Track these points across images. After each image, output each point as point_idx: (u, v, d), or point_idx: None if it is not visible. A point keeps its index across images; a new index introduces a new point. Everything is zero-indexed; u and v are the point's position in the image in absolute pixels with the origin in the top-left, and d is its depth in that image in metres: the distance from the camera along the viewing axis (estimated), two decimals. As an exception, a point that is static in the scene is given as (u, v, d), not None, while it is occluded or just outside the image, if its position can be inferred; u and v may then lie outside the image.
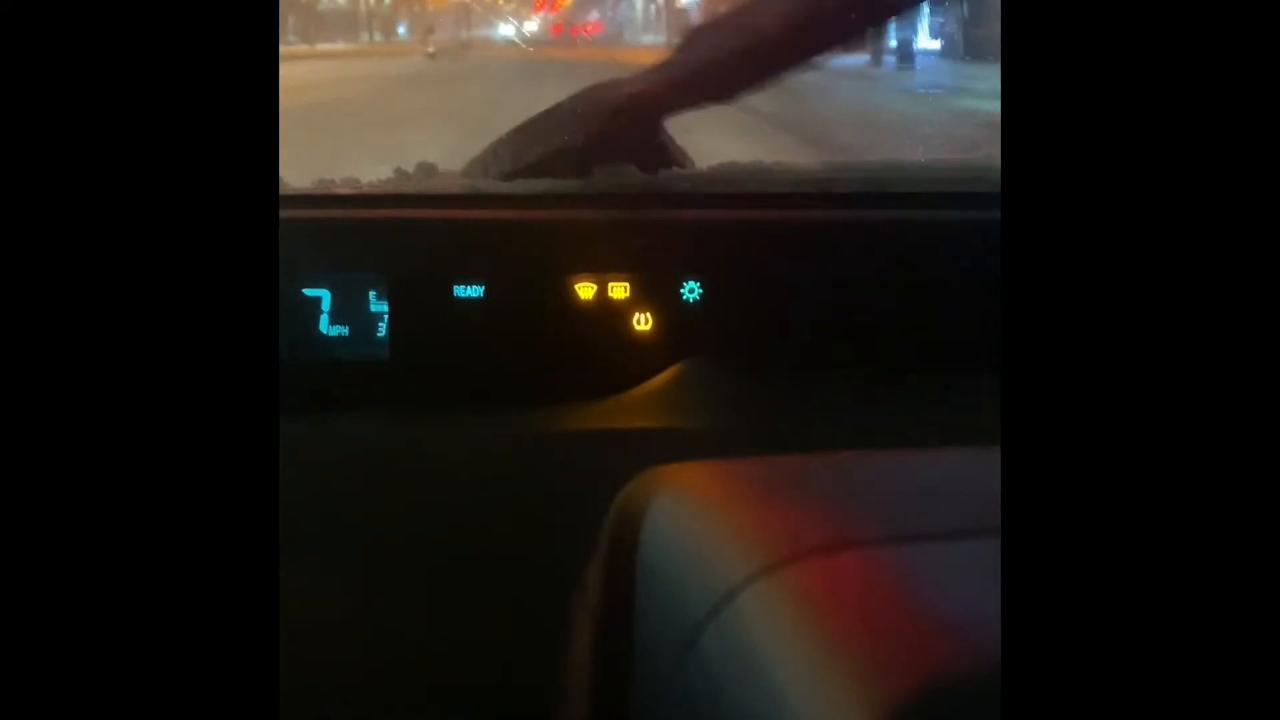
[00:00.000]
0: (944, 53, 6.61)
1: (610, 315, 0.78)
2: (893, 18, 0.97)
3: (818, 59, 0.85)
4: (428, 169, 0.89)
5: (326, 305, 0.77)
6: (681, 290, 0.78)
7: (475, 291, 0.77)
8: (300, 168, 0.85)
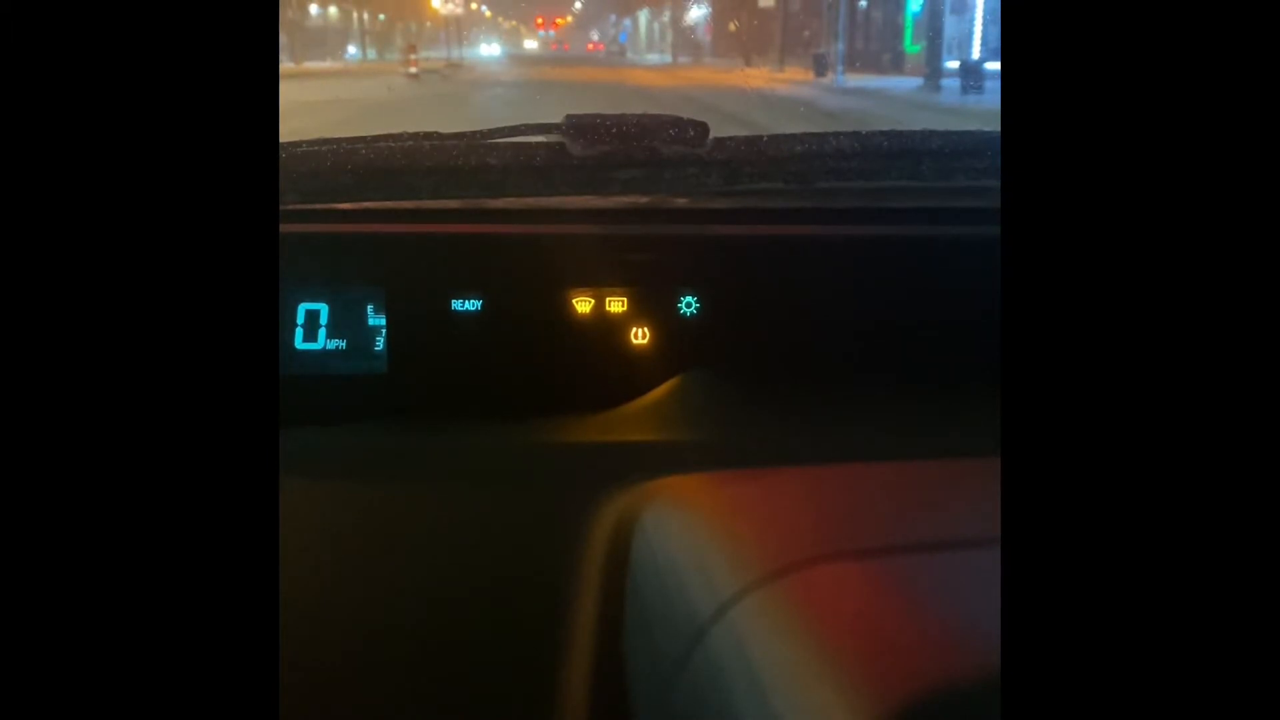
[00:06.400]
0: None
1: (608, 329, 0.78)
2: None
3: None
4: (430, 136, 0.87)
5: (325, 318, 0.77)
6: (679, 304, 0.78)
7: (473, 305, 0.77)
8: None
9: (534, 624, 0.51)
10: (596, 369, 0.78)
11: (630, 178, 0.82)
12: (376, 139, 0.86)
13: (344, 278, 0.78)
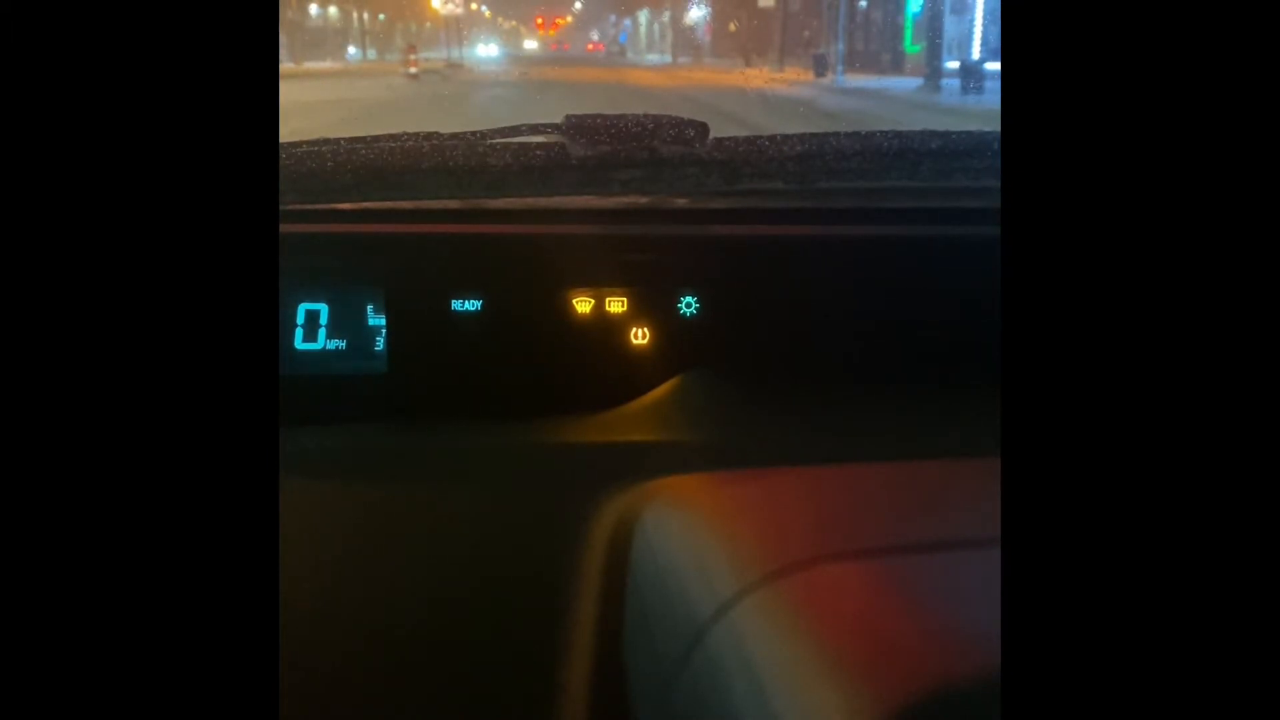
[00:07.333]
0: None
1: (608, 329, 0.78)
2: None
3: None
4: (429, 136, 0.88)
5: (325, 318, 0.77)
6: (679, 304, 0.78)
7: (473, 305, 0.77)
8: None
9: (534, 624, 0.51)
10: (596, 369, 0.78)
11: (630, 178, 0.82)
12: (376, 139, 0.86)
13: (344, 278, 0.78)
